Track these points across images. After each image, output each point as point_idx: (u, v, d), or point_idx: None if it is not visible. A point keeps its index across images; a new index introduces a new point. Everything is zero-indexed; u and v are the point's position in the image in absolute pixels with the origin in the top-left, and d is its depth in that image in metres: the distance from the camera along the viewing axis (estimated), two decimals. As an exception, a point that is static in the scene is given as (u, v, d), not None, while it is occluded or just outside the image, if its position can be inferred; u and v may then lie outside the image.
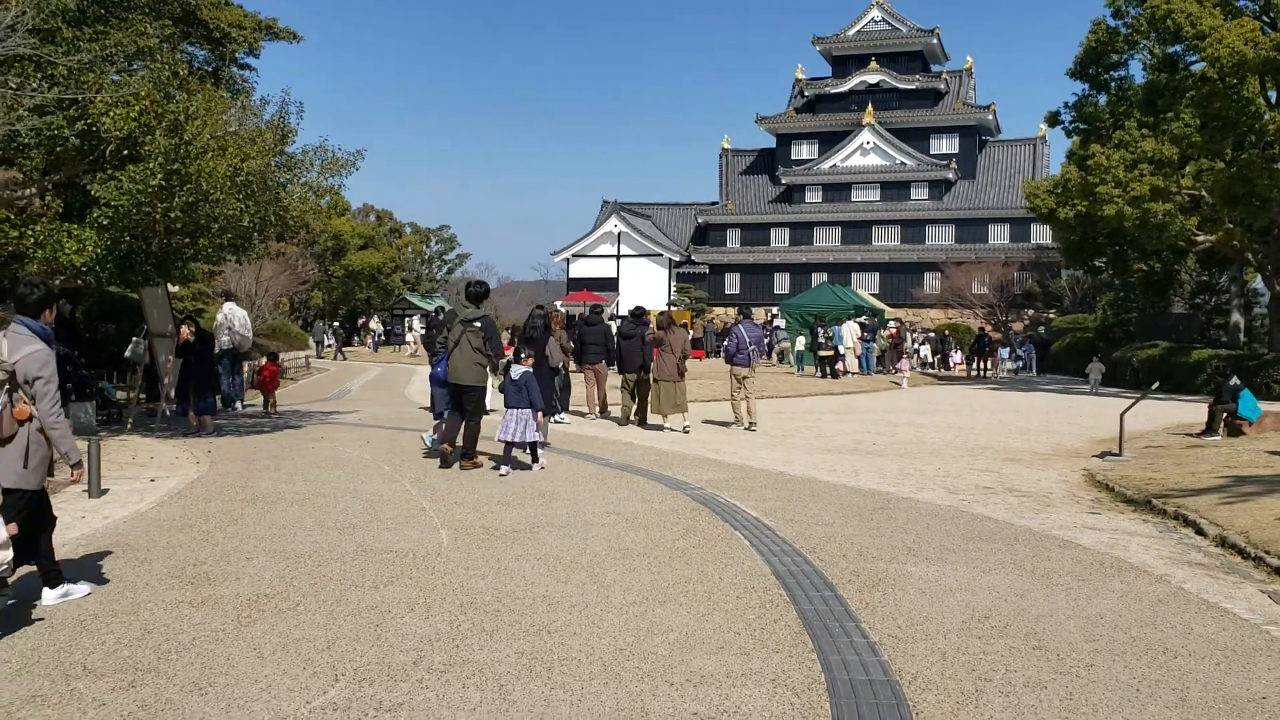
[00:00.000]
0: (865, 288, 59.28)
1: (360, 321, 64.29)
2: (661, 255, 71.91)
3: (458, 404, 12.42)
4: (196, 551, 7.97)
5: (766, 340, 36.32)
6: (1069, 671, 5.37)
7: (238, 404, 18.98)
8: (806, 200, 72.21)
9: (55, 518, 6.90)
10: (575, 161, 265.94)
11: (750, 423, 17.38)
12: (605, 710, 4.79)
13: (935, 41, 71.53)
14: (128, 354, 16.79)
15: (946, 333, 48.82)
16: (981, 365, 39.17)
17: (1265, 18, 27.13)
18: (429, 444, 13.67)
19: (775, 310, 49.65)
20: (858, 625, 6.12)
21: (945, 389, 32.35)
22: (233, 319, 17.56)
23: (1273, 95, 27.71)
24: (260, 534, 8.58)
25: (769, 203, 74.09)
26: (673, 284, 71.29)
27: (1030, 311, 58.80)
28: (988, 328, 54.49)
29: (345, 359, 48.25)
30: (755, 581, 7.09)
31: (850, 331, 32.23)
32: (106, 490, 10.45)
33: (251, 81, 19.77)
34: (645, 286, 68.65)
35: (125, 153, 12.53)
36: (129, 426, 15.34)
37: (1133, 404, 16.37)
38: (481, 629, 5.99)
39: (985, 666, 5.42)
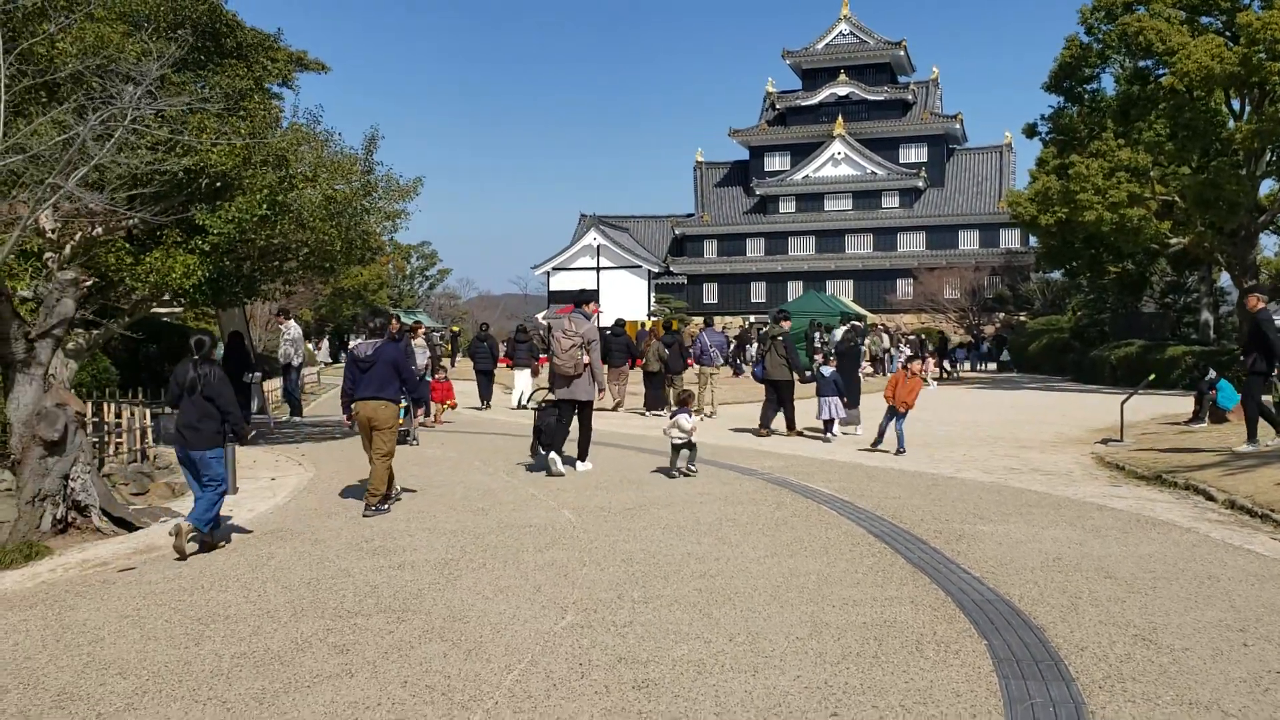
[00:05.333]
0: (841, 294, 60.93)
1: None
2: (640, 267, 73.32)
3: (775, 392, 16.84)
4: (359, 532, 9.20)
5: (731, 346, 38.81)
6: (1139, 591, 6.76)
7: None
8: (780, 210, 74.03)
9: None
10: (552, 176, 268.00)
11: (711, 410, 20.27)
12: (792, 622, 6.12)
13: (902, 53, 73.58)
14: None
15: (923, 337, 50.52)
16: (951, 367, 40.76)
17: (1228, 33, 28.94)
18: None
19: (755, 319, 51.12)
20: (959, 566, 7.49)
21: (929, 390, 33.87)
22: (295, 334, 18.66)
23: (1236, 105, 29.56)
24: (405, 518, 9.82)
25: (744, 213, 75.83)
26: (652, 294, 72.71)
27: (1002, 315, 60.66)
28: (960, 331, 56.36)
29: None
30: (858, 539, 8.46)
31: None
32: (237, 489, 11.62)
33: (319, 114, 20.92)
34: (625, 297, 70.00)
35: (218, 185, 13.71)
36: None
37: (1129, 395, 17.87)
38: (655, 575, 7.30)
39: (1073, 590, 6.81)
